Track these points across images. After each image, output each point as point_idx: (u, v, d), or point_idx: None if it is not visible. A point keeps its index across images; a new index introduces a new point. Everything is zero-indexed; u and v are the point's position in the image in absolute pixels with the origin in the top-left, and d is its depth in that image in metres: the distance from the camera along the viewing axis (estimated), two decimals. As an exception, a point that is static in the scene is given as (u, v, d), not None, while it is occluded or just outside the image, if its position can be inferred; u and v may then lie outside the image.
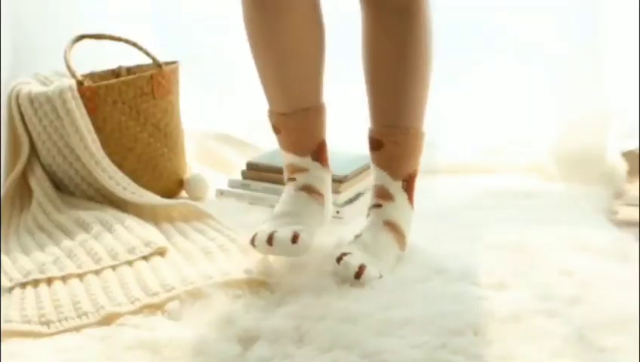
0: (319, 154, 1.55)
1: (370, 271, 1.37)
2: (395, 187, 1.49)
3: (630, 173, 1.87)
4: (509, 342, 1.18)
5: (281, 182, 1.76)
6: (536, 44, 2.03)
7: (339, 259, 1.38)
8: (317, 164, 1.55)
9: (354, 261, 1.37)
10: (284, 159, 1.58)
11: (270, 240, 1.40)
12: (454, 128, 2.11)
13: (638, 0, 1.85)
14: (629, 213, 1.71)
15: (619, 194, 1.81)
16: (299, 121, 1.51)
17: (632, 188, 1.82)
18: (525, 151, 2.02)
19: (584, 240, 1.50)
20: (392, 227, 1.47)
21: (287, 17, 1.44)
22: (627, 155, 1.92)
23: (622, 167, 1.88)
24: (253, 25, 1.47)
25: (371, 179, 1.54)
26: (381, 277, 1.38)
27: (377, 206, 1.49)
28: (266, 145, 1.99)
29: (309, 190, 1.53)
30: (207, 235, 1.60)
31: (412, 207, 1.52)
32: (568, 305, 1.27)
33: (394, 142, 1.47)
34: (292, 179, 1.55)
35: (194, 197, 1.90)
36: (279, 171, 1.74)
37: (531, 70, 2.07)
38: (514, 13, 2.06)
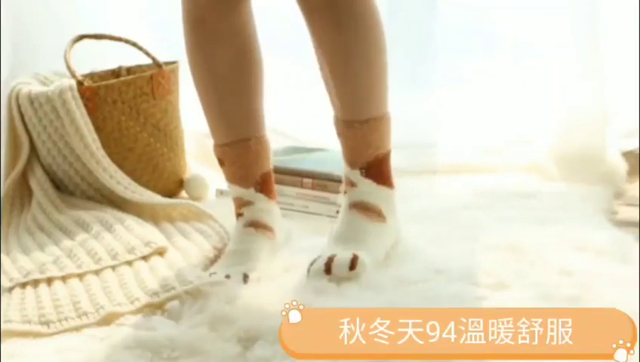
0: (263, 185, 1.54)
1: (340, 256, 1.37)
2: (354, 175, 1.48)
3: (630, 173, 1.87)
4: (509, 341, 1.18)
5: (281, 182, 1.77)
6: (536, 44, 2.04)
7: (328, 270, 1.37)
8: (261, 196, 1.54)
9: (343, 258, 1.37)
10: (230, 193, 1.57)
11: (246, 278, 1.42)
12: (454, 128, 2.11)
13: (638, 0, 1.85)
14: (629, 213, 1.71)
15: (619, 194, 1.81)
16: (240, 152, 1.52)
17: (632, 188, 1.82)
18: (525, 151, 2.02)
19: (584, 240, 1.50)
20: (361, 206, 1.46)
21: (226, 44, 1.47)
22: (627, 155, 1.92)
23: (622, 167, 1.88)
24: (193, 51, 1.50)
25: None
26: (355, 257, 1.37)
27: (344, 193, 1.51)
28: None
29: (257, 225, 1.52)
30: (205, 234, 1.60)
31: (389, 186, 1.50)
32: (568, 305, 1.27)
33: (343, 135, 1.47)
34: (240, 215, 1.54)
35: (194, 197, 1.90)
36: (279, 171, 1.74)
37: (531, 70, 2.07)
38: (513, 13, 2.06)
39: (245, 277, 1.40)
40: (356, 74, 1.43)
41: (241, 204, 1.54)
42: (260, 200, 1.53)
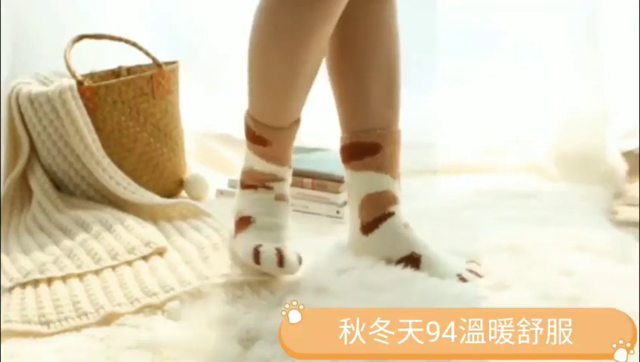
0: (291, 160, 1.51)
1: None
2: (397, 186, 1.46)
3: (630, 173, 1.88)
4: (509, 341, 1.18)
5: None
6: (536, 44, 2.04)
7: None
8: (290, 171, 1.51)
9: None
10: (259, 167, 1.48)
11: (257, 256, 1.37)
12: (454, 128, 2.11)
13: (638, 0, 1.85)
14: (629, 213, 1.71)
15: (619, 194, 1.81)
16: (293, 134, 1.46)
17: (632, 188, 1.82)
18: (525, 151, 2.02)
19: (584, 240, 1.50)
20: (408, 227, 1.45)
21: (323, 14, 1.29)
22: (627, 155, 1.92)
23: (622, 167, 1.88)
24: (280, 16, 1.31)
25: (354, 190, 1.47)
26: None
27: (391, 214, 1.44)
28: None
29: (284, 198, 1.49)
30: (203, 233, 1.60)
31: None
32: (568, 305, 1.27)
33: (394, 142, 1.45)
34: (268, 188, 1.48)
35: (194, 197, 1.90)
36: (279, 171, 1.75)
37: (531, 70, 2.08)
38: (514, 13, 2.06)
39: (299, 258, 1.38)
40: (399, 76, 1.44)
41: (272, 179, 1.47)
42: (289, 175, 1.50)
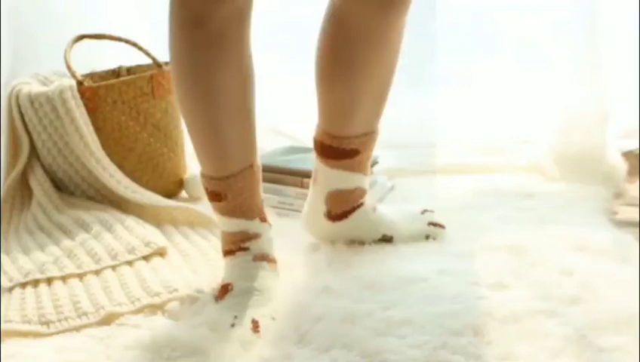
0: (263, 213, 1.41)
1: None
2: (367, 179, 1.50)
3: (630, 173, 1.87)
4: (509, 342, 1.18)
5: (281, 182, 1.76)
6: (536, 44, 2.04)
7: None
8: (266, 225, 1.41)
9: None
10: (228, 228, 1.39)
11: (257, 328, 1.26)
12: (454, 128, 2.11)
13: (638, 0, 1.85)
14: (629, 213, 1.71)
15: (619, 194, 1.81)
16: (246, 181, 1.36)
17: (632, 188, 1.82)
18: (525, 151, 2.02)
19: (584, 240, 1.50)
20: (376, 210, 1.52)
21: (233, 54, 1.27)
22: (627, 155, 1.92)
23: (622, 167, 1.88)
24: (187, 65, 1.27)
25: (324, 180, 1.47)
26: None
27: (360, 205, 1.50)
28: (266, 145, 1.99)
29: (267, 259, 1.38)
30: (207, 238, 1.60)
31: None
32: (568, 305, 1.27)
33: (372, 145, 1.45)
34: (244, 249, 1.38)
35: (194, 197, 1.90)
36: (279, 171, 1.75)
37: (531, 70, 2.07)
38: (514, 13, 2.06)
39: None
40: (390, 85, 1.40)
41: (244, 238, 1.38)
42: (266, 230, 1.40)
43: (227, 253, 1.40)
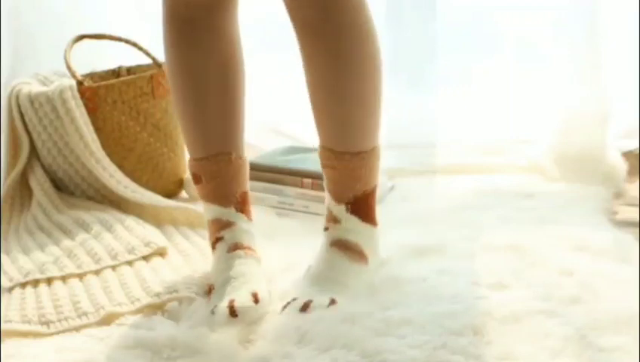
0: (243, 206, 1.41)
1: (317, 301, 1.28)
2: (339, 210, 1.37)
3: (630, 173, 1.87)
4: (509, 342, 1.18)
5: (281, 182, 1.76)
6: (536, 44, 2.04)
7: (283, 308, 1.29)
8: (242, 216, 1.41)
9: (320, 304, 1.28)
10: (206, 214, 1.43)
11: (232, 310, 1.26)
12: (454, 128, 2.11)
13: (638, 0, 1.85)
14: (629, 213, 1.71)
15: (619, 194, 1.81)
16: (220, 166, 1.39)
17: (632, 188, 1.82)
18: (525, 151, 2.02)
19: (584, 240, 1.50)
20: (342, 245, 1.36)
21: (213, 48, 1.35)
22: (627, 155, 1.92)
23: (622, 167, 1.88)
24: (174, 54, 1.37)
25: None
26: (333, 302, 1.28)
27: (325, 229, 1.39)
28: (266, 145, 1.99)
29: (242, 247, 1.38)
30: (206, 238, 1.60)
31: (372, 225, 1.40)
32: (568, 305, 1.27)
33: (331, 167, 1.35)
34: (219, 239, 1.39)
35: (194, 197, 1.90)
36: (279, 171, 1.75)
37: (531, 70, 2.07)
38: (514, 13, 2.06)
39: (254, 296, 1.28)
40: (351, 100, 1.30)
41: (219, 227, 1.40)
42: (242, 220, 1.41)
43: (212, 246, 1.42)
